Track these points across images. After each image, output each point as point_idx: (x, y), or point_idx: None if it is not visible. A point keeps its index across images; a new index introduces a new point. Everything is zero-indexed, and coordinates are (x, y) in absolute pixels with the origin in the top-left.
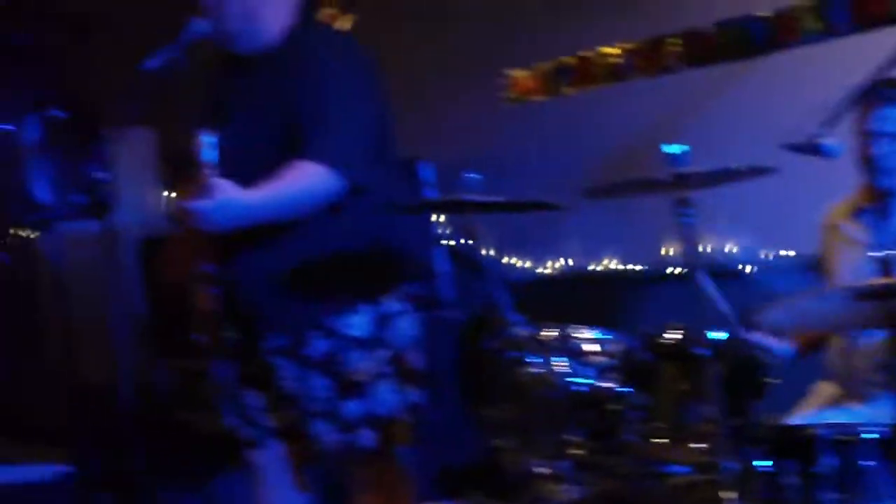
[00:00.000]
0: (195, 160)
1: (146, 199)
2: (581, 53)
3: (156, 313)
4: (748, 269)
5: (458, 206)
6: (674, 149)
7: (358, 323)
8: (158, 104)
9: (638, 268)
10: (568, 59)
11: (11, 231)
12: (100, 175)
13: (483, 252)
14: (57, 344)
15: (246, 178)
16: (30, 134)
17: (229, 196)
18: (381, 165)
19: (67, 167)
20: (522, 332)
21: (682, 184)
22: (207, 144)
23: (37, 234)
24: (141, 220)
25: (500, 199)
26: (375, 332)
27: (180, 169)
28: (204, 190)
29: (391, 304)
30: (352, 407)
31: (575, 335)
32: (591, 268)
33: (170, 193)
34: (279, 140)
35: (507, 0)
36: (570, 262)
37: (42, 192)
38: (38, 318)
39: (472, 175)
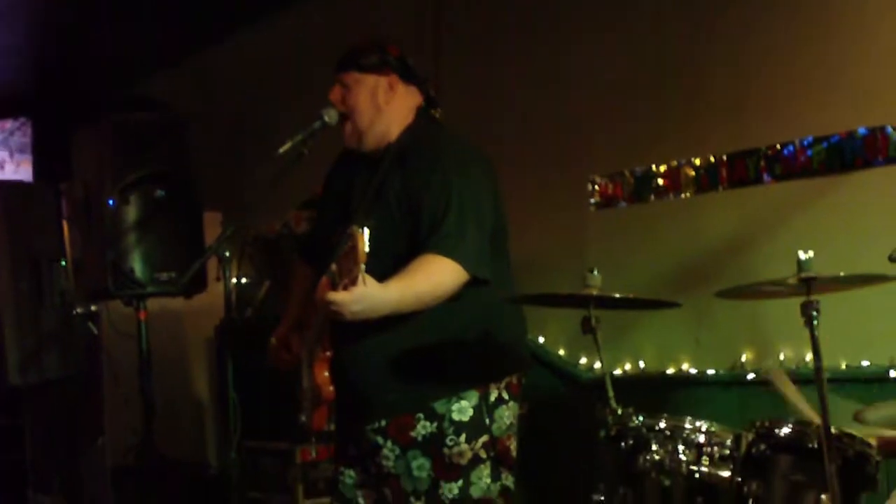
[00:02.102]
0: (340, 250)
1: (233, 282)
2: (667, 162)
3: (247, 394)
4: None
5: (581, 301)
6: (802, 253)
7: (464, 408)
8: (254, 192)
9: (713, 371)
10: (654, 168)
11: (102, 302)
12: (192, 255)
13: (560, 351)
14: (138, 417)
15: (372, 267)
16: (131, 209)
17: (371, 290)
18: (497, 259)
19: (162, 245)
20: (637, 420)
21: (808, 287)
22: (360, 236)
23: (127, 307)
24: (227, 303)
25: (623, 295)
26: (478, 418)
27: (271, 255)
28: (349, 281)
29: (495, 391)
30: (450, 489)
31: (688, 425)
32: (668, 371)
33: (262, 279)
34: (403, 235)
35: (594, 106)
36: (644, 364)
37: (136, 266)
38: (120, 389)
39: (592, 272)
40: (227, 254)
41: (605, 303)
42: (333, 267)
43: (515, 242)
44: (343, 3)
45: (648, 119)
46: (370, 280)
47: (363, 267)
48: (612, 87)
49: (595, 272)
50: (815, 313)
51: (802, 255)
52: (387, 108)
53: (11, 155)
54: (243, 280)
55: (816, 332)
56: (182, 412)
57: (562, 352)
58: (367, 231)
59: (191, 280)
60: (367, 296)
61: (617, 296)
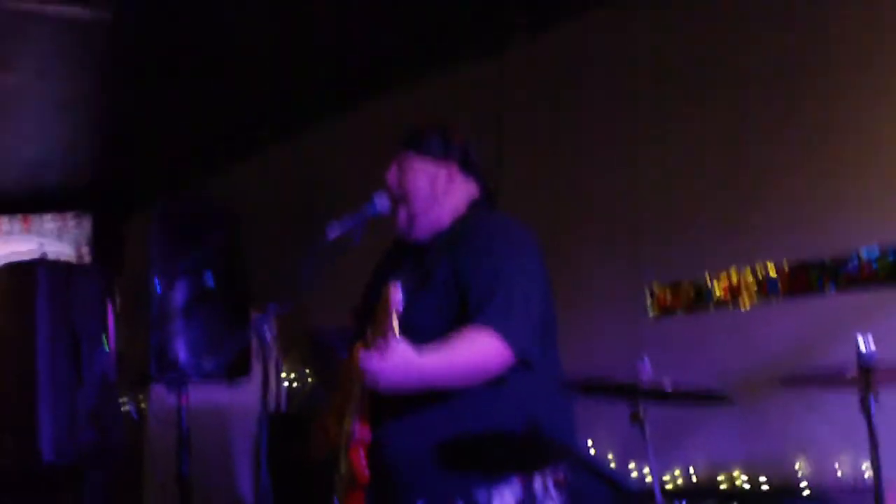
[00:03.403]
0: (378, 309)
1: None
2: (727, 272)
3: (283, 485)
4: None
5: (630, 391)
6: (861, 339)
7: (506, 496)
8: (301, 285)
9: (766, 487)
10: (713, 280)
11: (144, 387)
12: (237, 344)
13: (608, 458)
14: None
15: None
16: (178, 296)
17: (407, 356)
18: (545, 345)
19: (208, 333)
20: None
21: (867, 379)
22: (395, 293)
23: (171, 392)
24: (265, 387)
25: (675, 388)
26: None
27: (315, 351)
28: (384, 345)
29: (539, 483)
30: None
31: None
32: (720, 481)
33: (304, 373)
34: (448, 316)
35: (656, 212)
36: (694, 474)
37: (181, 352)
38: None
39: (644, 362)
40: (270, 334)
41: (656, 396)
42: (369, 332)
43: (567, 346)
44: (408, 104)
45: (708, 227)
46: (408, 346)
47: (396, 323)
48: (673, 194)
49: (646, 361)
50: (873, 405)
51: (862, 343)
52: (443, 198)
53: (76, 248)
54: (290, 375)
55: (875, 431)
56: (218, 501)
57: (610, 457)
58: (399, 285)
59: (234, 364)
60: (400, 356)
61: (668, 388)
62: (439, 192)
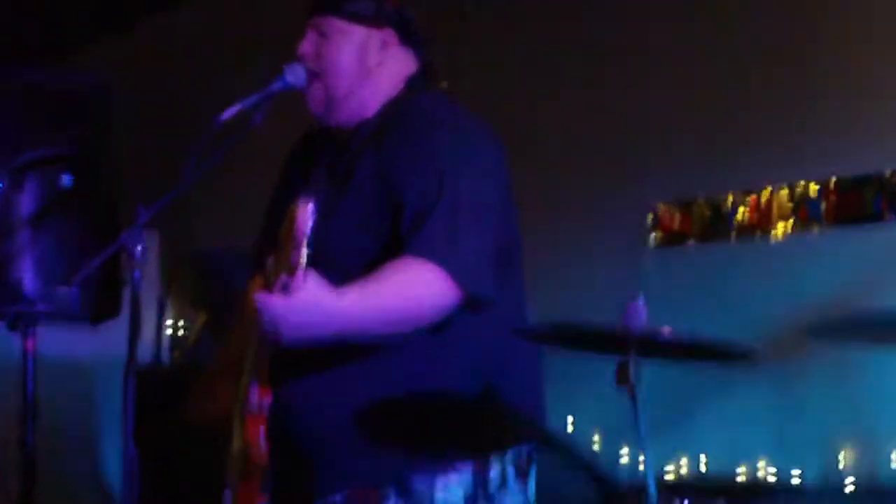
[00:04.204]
0: (281, 236)
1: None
2: (755, 189)
3: (157, 463)
4: None
5: (618, 342)
6: None
7: (452, 487)
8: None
9: (798, 480)
10: (735, 196)
11: None
12: (104, 269)
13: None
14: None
15: (329, 277)
16: (25, 200)
17: (319, 299)
18: (504, 278)
19: (65, 250)
20: None
21: None
22: (303, 214)
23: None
24: (133, 330)
25: (676, 335)
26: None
27: (213, 280)
28: (286, 274)
29: (497, 467)
30: None
31: None
32: (738, 474)
33: (190, 313)
34: (376, 237)
35: (661, 108)
36: (705, 463)
37: (26, 276)
38: None
39: (638, 303)
40: (140, 249)
41: (652, 346)
42: (270, 262)
43: (539, 285)
44: None
45: (731, 129)
46: (317, 280)
47: (305, 254)
48: (686, 83)
49: (641, 301)
50: None
51: None
52: (375, 73)
53: None
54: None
55: None
56: (72, 481)
57: (596, 439)
58: (311, 204)
59: (99, 299)
60: (311, 300)
61: (666, 331)
62: (370, 66)
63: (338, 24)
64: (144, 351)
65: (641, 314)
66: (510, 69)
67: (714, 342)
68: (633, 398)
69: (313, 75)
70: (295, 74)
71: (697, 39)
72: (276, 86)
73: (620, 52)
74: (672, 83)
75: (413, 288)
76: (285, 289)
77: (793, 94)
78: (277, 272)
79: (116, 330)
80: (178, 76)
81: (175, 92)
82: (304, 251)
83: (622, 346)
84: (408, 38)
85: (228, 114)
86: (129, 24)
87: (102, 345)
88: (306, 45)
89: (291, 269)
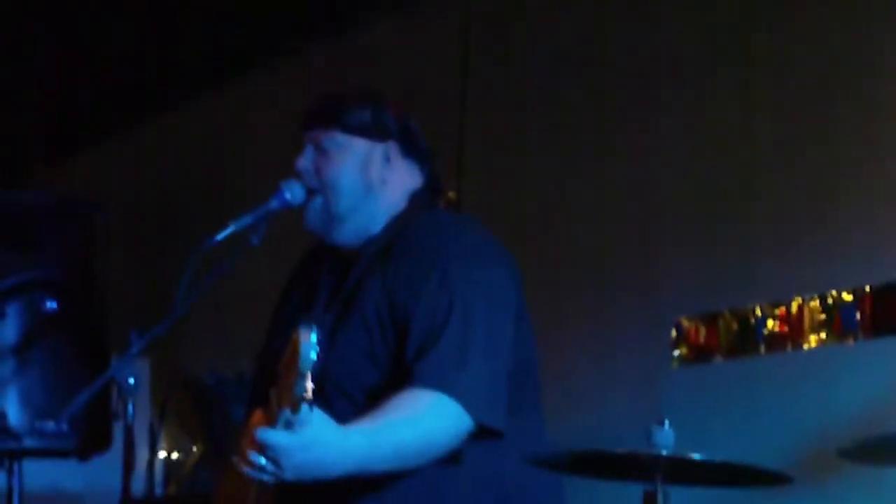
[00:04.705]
0: (281, 368)
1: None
2: (784, 300)
3: None
4: None
5: (644, 467)
6: None
7: None
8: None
9: None
10: (763, 307)
11: None
12: (94, 399)
13: None
14: None
15: (335, 408)
16: (9, 327)
17: (324, 432)
18: (519, 403)
19: (52, 379)
20: None
21: None
22: (305, 343)
23: None
24: (126, 463)
25: (710, 458)
26: None
27: (208, 411)
28: (291, 416)
29: None
30: None
31: None
32: None
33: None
34: (383, 363)
35: (682, 217)
36: None
37: (10, 409)
38: None
39: (663, 427)
40: (132, 381)
41: (680, 472)
42: (272, 394)
43: (557, 410)
44: (321, 60)
45: (757, 236)
46: (322, 416)
47: (309, 386)
48: (706, 189)
49: (667, 426)
50: None
51: None
52: (379, 188)
53: None
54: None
55: None
56: None
57: None
58: (314, 333)
59: (88, 432)
60: (316, 438)
61: (696, 457)
62: (374, 182)
63: (337, 137)
64: (137, 483)
65: (668, 438)
66: (520, 177)
67: (745, 466)
68: None
69: (311, 192)
70: (293, 192)
71: (717, 142)
72: (273, 204)
73: (637, 158)
74: (692, 190)
75: (424, 420)
76: (288, 425)
77: (822, 196)
78: (280, 405)
79: (106, 462)
80: (169, 195)
81: (165, 211)
82: (308, 384)
83: (648, 472)
84: (411, 149)
85: (222, 235)
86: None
87: (92, 478)
88: (304, 161)
89: (295, 403)
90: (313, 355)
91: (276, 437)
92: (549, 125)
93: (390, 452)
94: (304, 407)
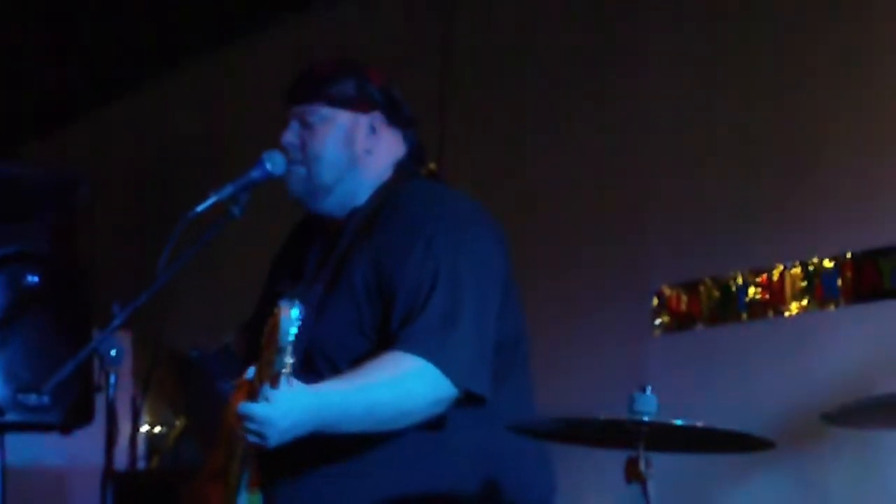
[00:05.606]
0: (262, 340)
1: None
2: (765, 268)
3: None
4: None
5: (626, 433)
6: None
7: None
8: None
9: None
10: (745, 276)
11: None
12: (77, 372)
13: None
14: None
15: (324, 378)
16: None
17: (300, 398)
18: (508, 372)
19: (34, 353)
20: None
21: None
22: (285, 319)
23: None
24: (109, 435)
25: (692, 424)
26: None
27: (191, 384)
28: (271, 381)
29: None
30: None
31: None
32: None
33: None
34: (370, 333)
35: (663, 185)
36: None
37: None
38: None
39: (646, 393)
40: (114, 353)
41: (663, 438)
42: (253, 370)
43: (545, 373)
44: (300, 29)
45: (738, 205)
46: (299, 387)
47: (287, 361)
48: (688, 157)
49: (649, 392)
50: None
51: None
52: (365, 159)
53: None
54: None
55: None
56: None
57: None
58: (295, 309)
59: (71, 405)
60: (293, 403)
61: (679, 423)
62: (359, 153)
63: (321, 110)
64: (119, 457)
65: (651, 404)
66: (507, 149)
67: (728, 431)
68: (646, 494)
69: (296, 163)
70: (274, 162)
71: (700, 113)
72: (254, 174)
73: (621, 129)
74: (674, 158)
75: (401, 383)
76: (268, 399)
77: (802, 164)
78: (261, 380)
79: (89, 436)
80: (151, 167)
81: (147, 184)
82: (288, 359)
83: (631, 439)
84: (395, 118)
85: (203, 206)
86: (96, 113)
87: (74, 452)
88: (289, 135)
89: (274, 378)
90: (293, 330)
91: (256, 408)
92: (533, 98)
93: (364, 411)
94: (283, 381)
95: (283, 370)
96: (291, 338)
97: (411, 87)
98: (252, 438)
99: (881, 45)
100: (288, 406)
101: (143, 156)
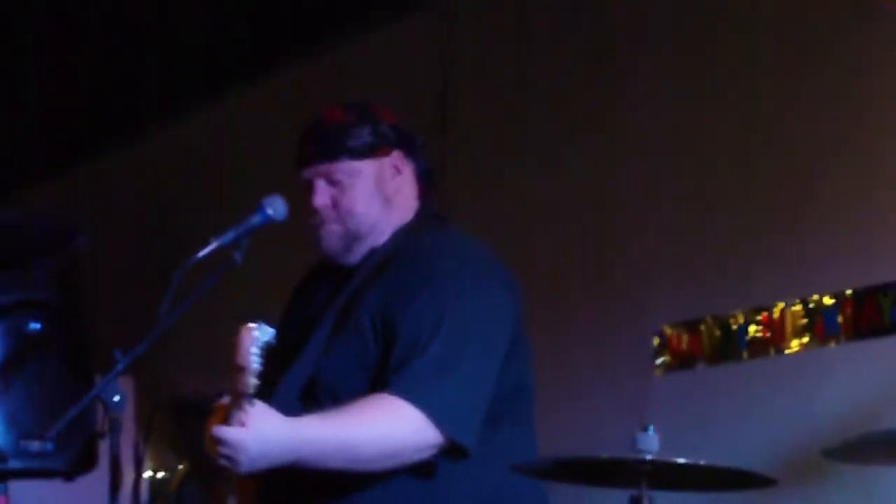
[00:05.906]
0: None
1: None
2: (766, 306)
3: None
4: None
5: (629, 472)
6: None
7: None
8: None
9: None
10: (746, 315)
11: None
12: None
13: None
14: None
15: (322, 406)
16: None
17: (273, 424)
18: (511, 428)
19: (36, 400)
20: None
21: None
22: (245, 341)
23: None
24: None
25: (695, 463)
26: None
27: (186, 427)
28: (238, 413)
29: None
30: None
31: None
32: None
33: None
34: (372, 369)
35: (663, 226)
36: None
37: None
38: None
39: (648, 433)
40: (117, 398)
41: (665, 476)
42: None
43: (546, 414)
44: (300, 76)
45: (738, 243)
46: (267, 409)
47: (249, 382)
48: (688, 196)
49: (651, 431)
50: None
51: None
52: (397, 199)
53: None
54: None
55: None
56: None
57: None
58: (257, 330)
59: (74, 453)
60: (267, 431)
61: (681, 462)
62: (391, 193)
63: (345, 166)
64: (123, 503)
65: (653, 444)
66: (506, 193)
67: (730, 469)
68: None
69: (329, 222)
70: (275, 207)
71: (699, 153)
72: (255, 220)
73: (621, 171)
74: (674, 197)
75: (381, 424)
76: (239, 422)
77: (801, 201)
78: (232, 403)
79: (93, 482)
80: (151, 213)
81: (147, 231)
82: (250, 379)
83: (633, 478)
84: (411, 151)
85: (204, 252)
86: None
87: (79, 498)
88: (320, 198)
89: (237, 399)
90: (254, 350)
91: (228, 432)
92: (533, 129)
93: (340, 448)
94: (246, 402)
95: (244, 389)
96: (254, 358)
97: (412, 120)
98: (223, 462)
99: (881, 84)
100: (260, 433)
101: (144, 202)
